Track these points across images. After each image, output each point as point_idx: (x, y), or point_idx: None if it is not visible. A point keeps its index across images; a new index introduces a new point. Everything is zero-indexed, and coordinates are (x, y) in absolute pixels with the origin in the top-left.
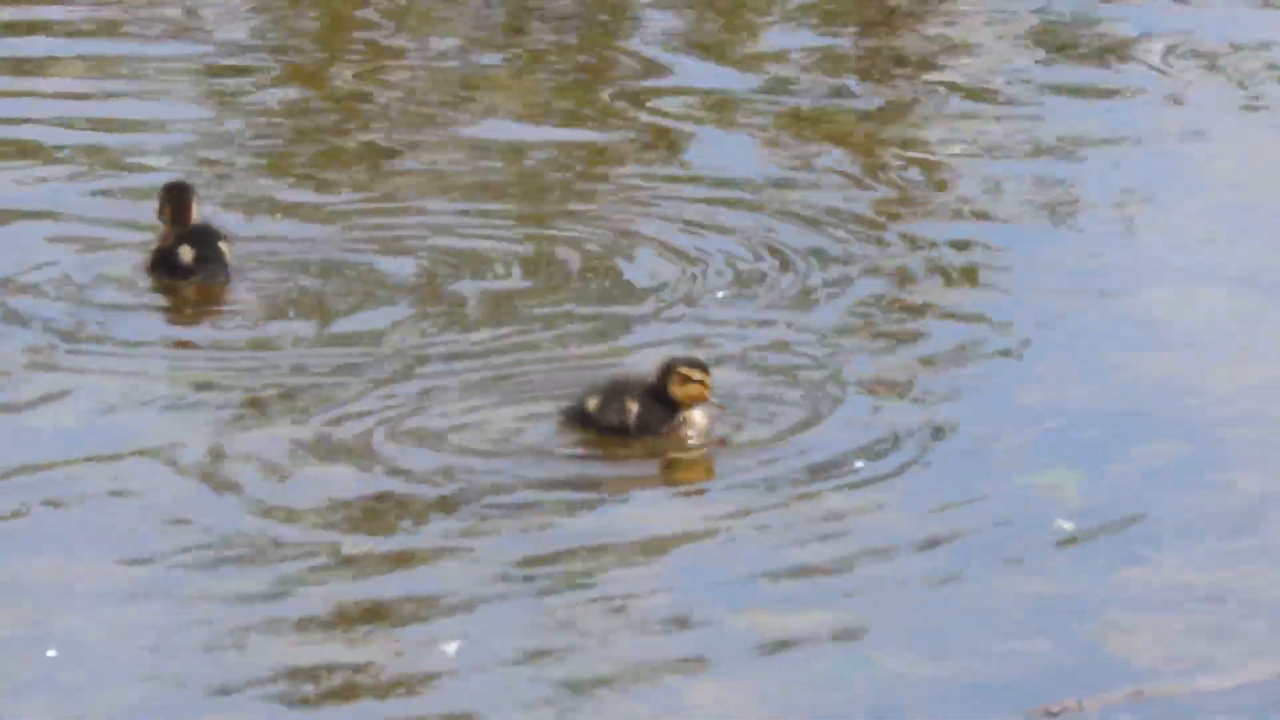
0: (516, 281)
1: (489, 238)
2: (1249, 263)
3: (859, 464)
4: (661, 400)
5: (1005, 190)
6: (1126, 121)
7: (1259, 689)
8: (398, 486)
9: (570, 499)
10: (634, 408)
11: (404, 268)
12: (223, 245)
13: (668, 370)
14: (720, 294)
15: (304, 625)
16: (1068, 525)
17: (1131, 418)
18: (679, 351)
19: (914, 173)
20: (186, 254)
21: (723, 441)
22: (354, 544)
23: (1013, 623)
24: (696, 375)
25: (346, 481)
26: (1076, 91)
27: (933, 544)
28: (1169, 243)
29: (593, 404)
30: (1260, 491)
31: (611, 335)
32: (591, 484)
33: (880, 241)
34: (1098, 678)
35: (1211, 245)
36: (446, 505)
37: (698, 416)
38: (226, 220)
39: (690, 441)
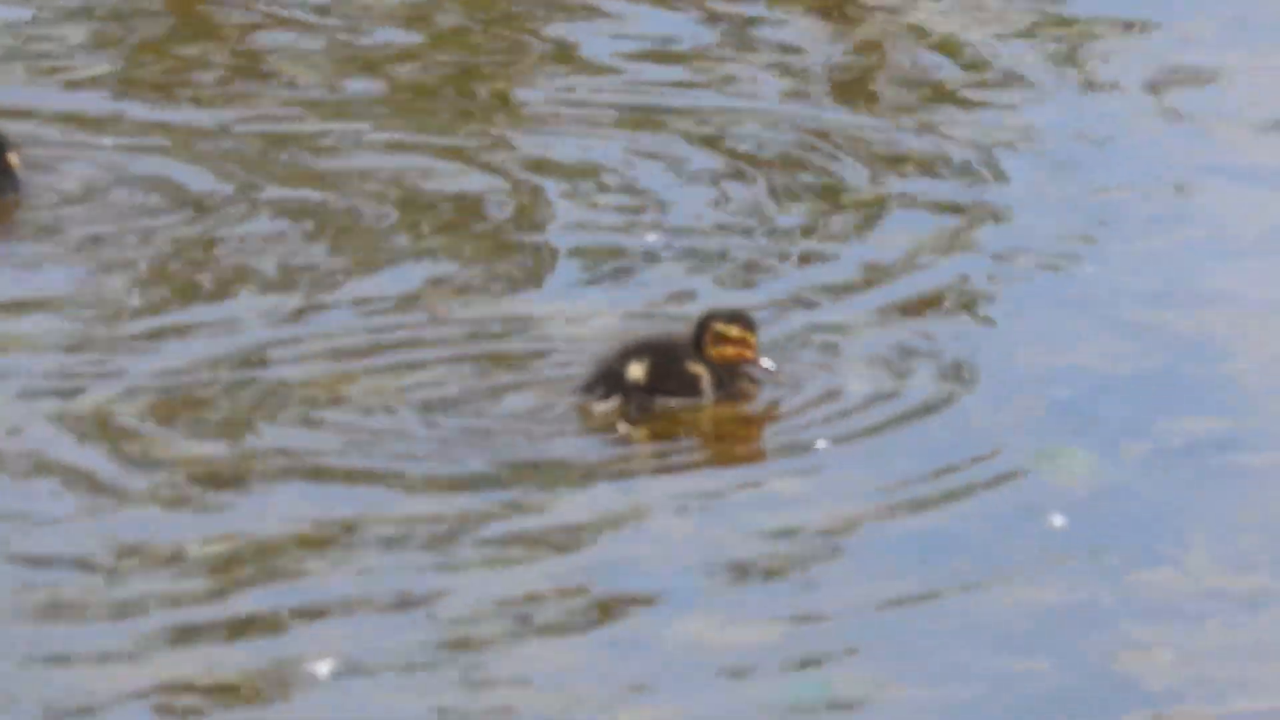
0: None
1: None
2: None
3: (821, 443)
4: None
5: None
6: None
7: None
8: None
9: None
10: (706, 374)
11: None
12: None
13: (702, 327)
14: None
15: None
16: (1059, 521)
17: (1156, 384)
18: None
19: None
20: None
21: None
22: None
23: (1006, 637)
24: (734, 332)
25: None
26: None
27: (908, 541)
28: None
29: (638, 371)
30: None
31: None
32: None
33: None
34: (1108, 703)
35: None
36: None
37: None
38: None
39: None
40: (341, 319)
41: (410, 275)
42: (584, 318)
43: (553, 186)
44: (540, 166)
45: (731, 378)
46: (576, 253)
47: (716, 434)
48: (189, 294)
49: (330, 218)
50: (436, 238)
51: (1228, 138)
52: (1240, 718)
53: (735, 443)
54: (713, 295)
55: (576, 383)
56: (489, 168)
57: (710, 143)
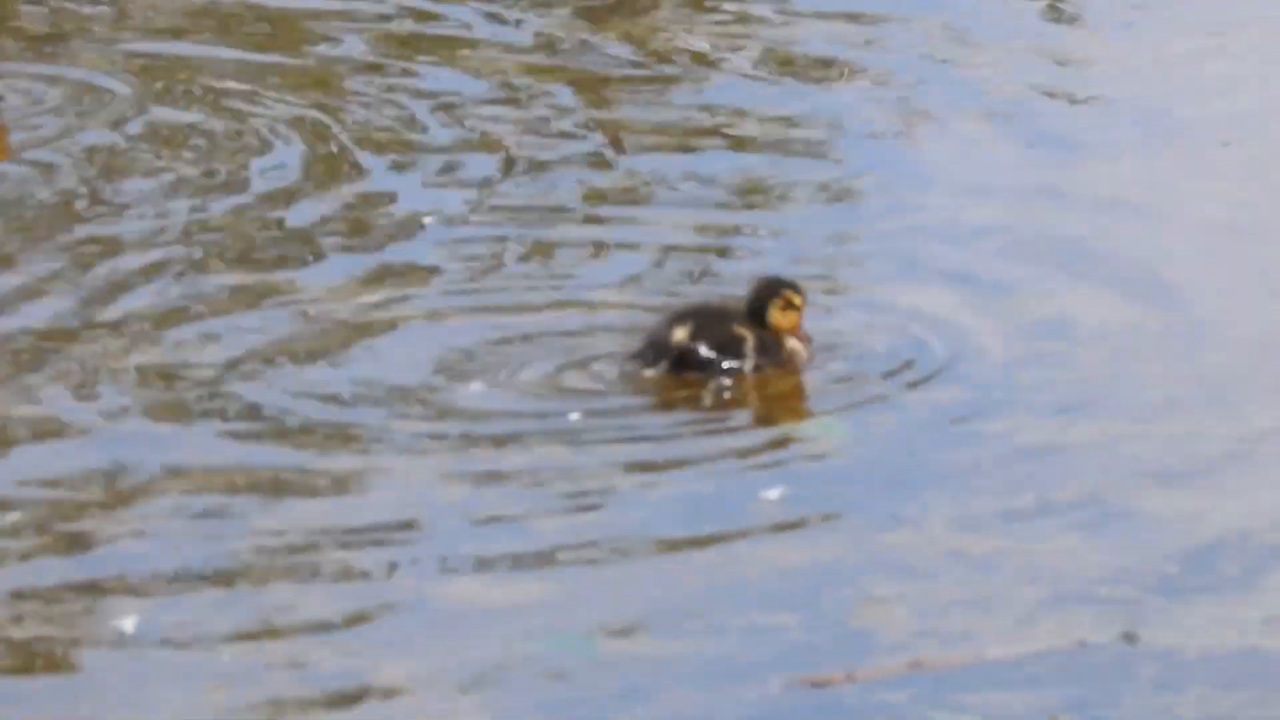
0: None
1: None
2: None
3: (573, 415)
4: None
5: None
6: None
7: (1049, 658)
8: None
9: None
10: (750, 338)
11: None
12: None
13: (772, 292)
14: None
15: None
16: (774, 494)
17: (905, 358)
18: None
19: None
20: None
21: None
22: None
23: (756, 595)
24: (798, 300)
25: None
26: None
27: (665, 503)
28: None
29: (682, 333)
30: (1045, 442)
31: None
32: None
33: None
34: (848, 654)
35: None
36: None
37: (797, 346)
38: None
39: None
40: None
41: None
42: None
43: None
44: None
45: (777, 345)
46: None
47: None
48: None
49: None
50: None
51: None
52: (994, 663)
53: None
54: None
55: (628, 351)
56: None
57: None
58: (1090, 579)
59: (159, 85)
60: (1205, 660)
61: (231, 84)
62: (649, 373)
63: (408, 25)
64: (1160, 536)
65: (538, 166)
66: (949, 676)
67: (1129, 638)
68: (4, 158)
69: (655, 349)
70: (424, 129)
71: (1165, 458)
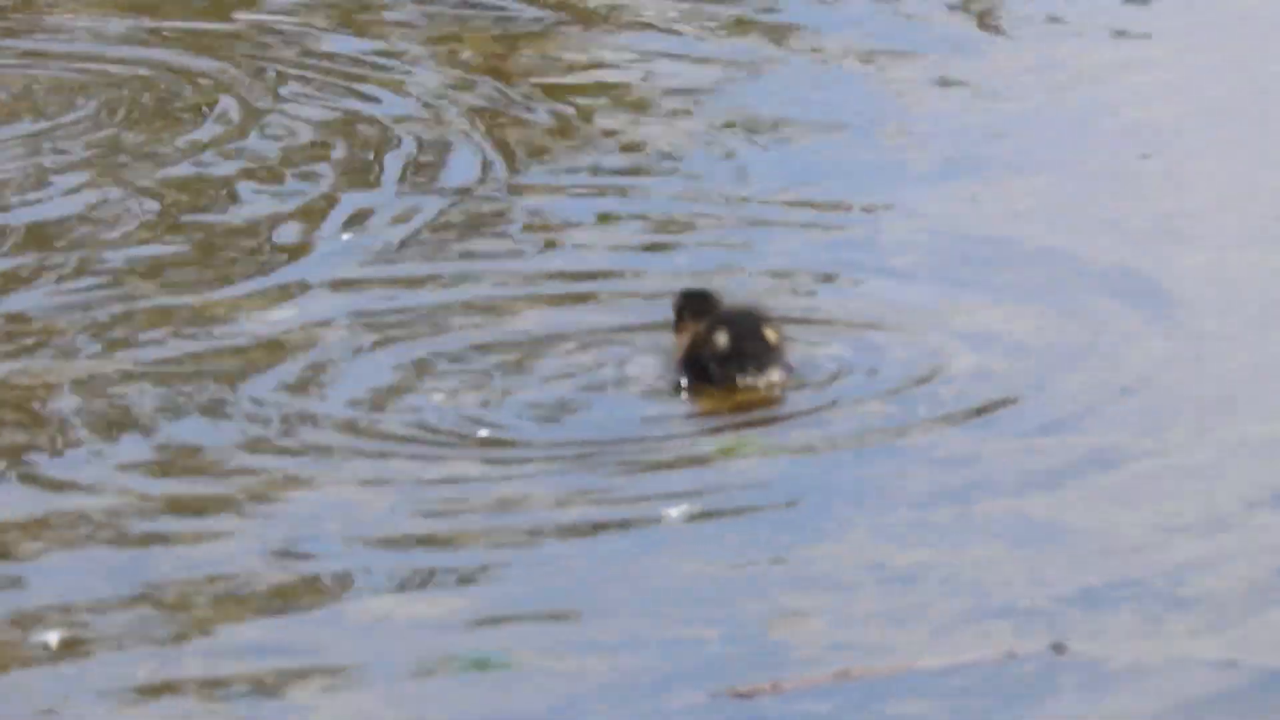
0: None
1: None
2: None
3: (483, 431)
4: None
5: None
6: None
7: (979, 670)
8: None
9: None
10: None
11: None
12: None
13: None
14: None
15: None
16: (675, 513)
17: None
18: None
19: None
20: None
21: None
22: None
23: (671, 609)
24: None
25: None
26: None
27: (582, 516)
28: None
29: (722, 341)
30: (972, 451)
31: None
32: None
33: None
34: (760, 667)
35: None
36: None
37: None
38: None
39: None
40: None
41: None
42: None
43: None
44: None
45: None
46: None
47: None
48: None
49: None
50: None
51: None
52: (923, 672)
53: None
54: None
55: (725, 366)
56: None
57: None
58: (1012, 591)
59: None
60: (1132, 671)
61: None
62: (762, 381)
63: None
64: (1081, 547)
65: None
66: (877, 686)
67: (1058, 648)
68: None
69: (756, 357)
70: None
71: (1085, 468)
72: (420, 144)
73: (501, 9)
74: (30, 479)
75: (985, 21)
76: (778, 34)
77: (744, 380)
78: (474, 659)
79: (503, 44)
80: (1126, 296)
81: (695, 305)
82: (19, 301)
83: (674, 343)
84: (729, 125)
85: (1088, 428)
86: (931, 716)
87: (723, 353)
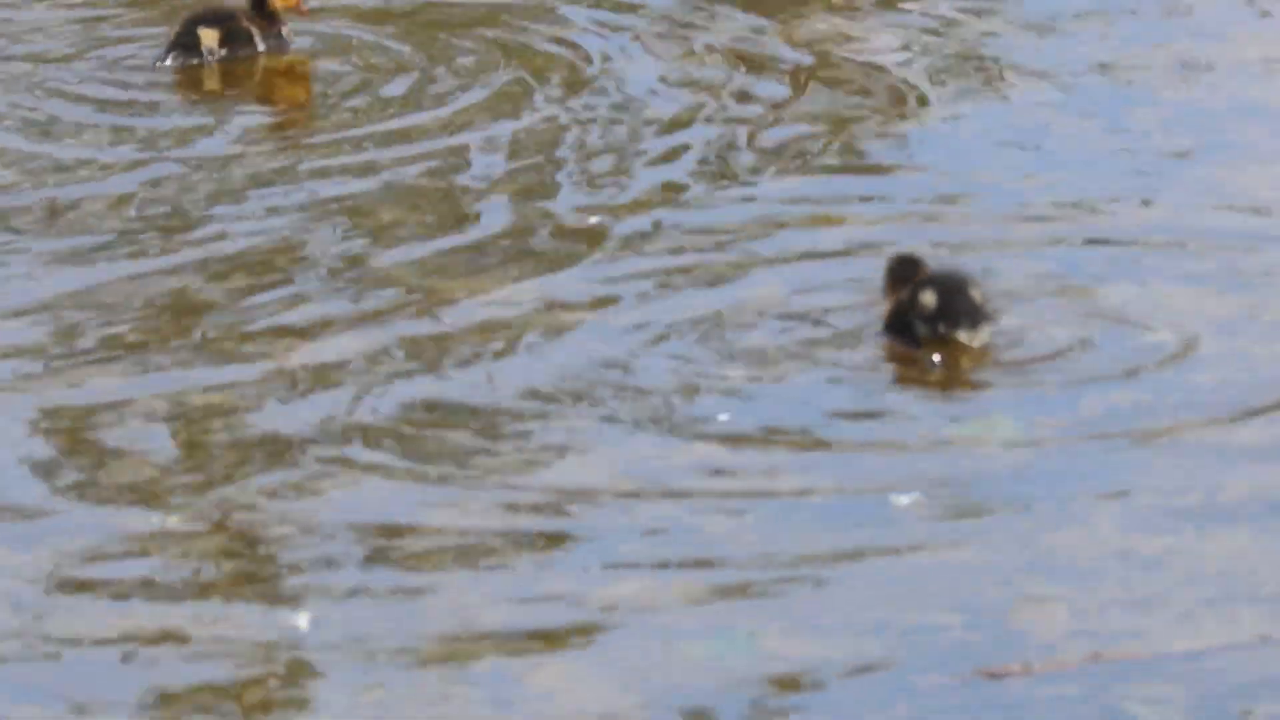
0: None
1: None
2: None
3: (723, 415)
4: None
5: None
6: None
7: (1230, 654)
8: None
9: None
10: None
11: None
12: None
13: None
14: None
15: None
16: (904, 500)
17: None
18: None
19: None
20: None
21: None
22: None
23: (917, 595)
24: None
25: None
26: None
27: (825, 500)
28: None
29: (930, 300)
30: (1220, 440)
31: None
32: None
33: None
34: (1003, 653)
35: None
36: None
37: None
38: None
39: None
40: None
41: None
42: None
43: None
44: None
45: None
46: None
47: None
48: None
49: None
50: None
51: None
52: (1173, 656)
53: None
54: None
55: (933, 324)
56: None
57: None
58: (1259, 577)
59: None
60: None
61: None
62: (974, 338)
63: None
64: None
65: None
66: (1126, 670)
67: None
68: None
69: (968, 312)
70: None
71: None
72: None
73: None
74: None
75: None
76: None
77: (955, 336)
78: (718, 638)
79: None
80: None
81: (903, 270)
82: None
83: (884, 308)
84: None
85: None
86: (1181, 701)
87: (931, 311)
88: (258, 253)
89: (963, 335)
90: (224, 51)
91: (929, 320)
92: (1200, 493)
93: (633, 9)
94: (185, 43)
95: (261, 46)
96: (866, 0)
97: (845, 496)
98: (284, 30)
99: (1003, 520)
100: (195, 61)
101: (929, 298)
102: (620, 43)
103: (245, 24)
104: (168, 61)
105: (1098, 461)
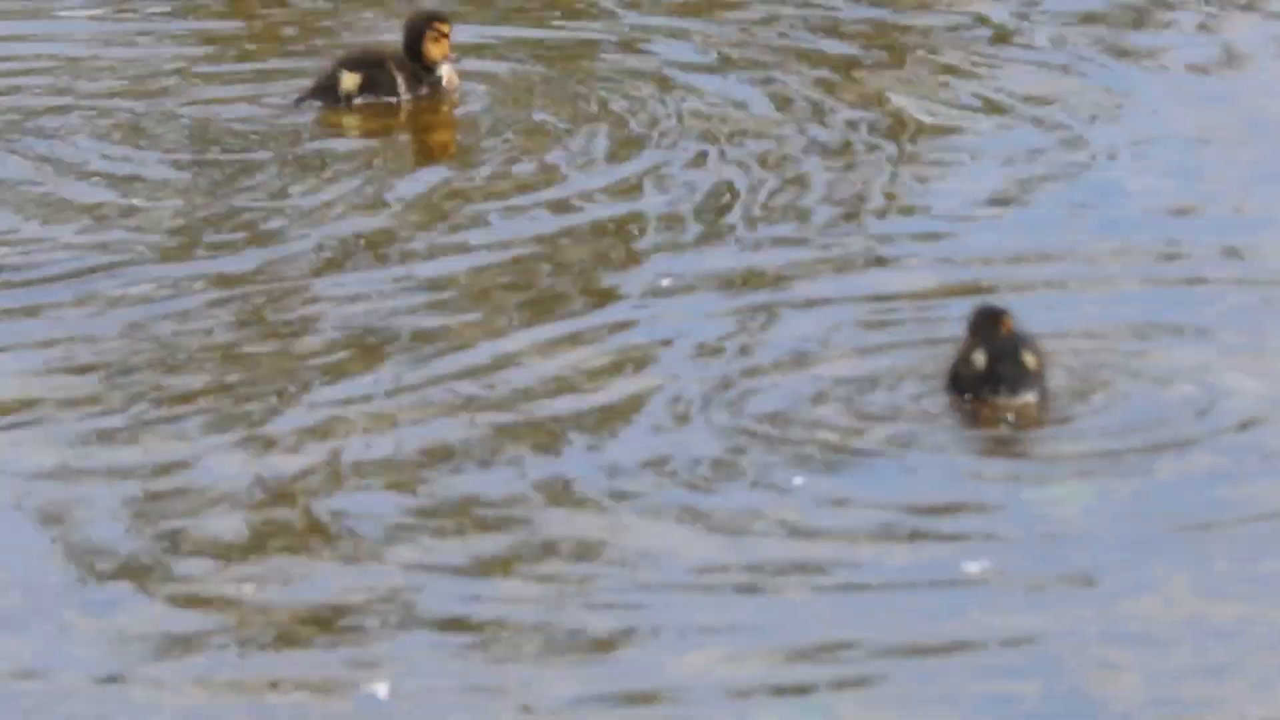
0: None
1: None
2: None
3: (798, 479)
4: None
5: None
6: None
7: None
8: None
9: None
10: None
11: None
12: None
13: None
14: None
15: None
16: (974, 568)
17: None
18: None
19: None
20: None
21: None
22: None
23: (993, 662)
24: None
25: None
26: None
27: (907, 558)
28: None
29: (980, 361)
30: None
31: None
32: None
33: None
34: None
35: None
36: None
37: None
38: None
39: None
40: None
41: None
42: None
43: None
44: None
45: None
46: None
47: None
48: None
49: None
50: None
51: None
52: None
53: None
54: None
55: (979, 387)
56: None
57: None
58: None
59: None
60: None
61: None
62: (1014, 403)
63: None
64: None
65: None
66: None
67: None
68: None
69: (1013, 378)
70: None
71: None
72: None
73: None
74: None
75: None
76: None
77: (995, 401)
78: (793, 711)
79: None
80: None
81: (978, 323)
82: None
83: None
84: None
85: None
86: None
87: (979, 373)
88: None
89: (1001, 401)
90: (361, 98)
91: (975, 382)
92: (1276, 559)
93: None
94: (326, 84)
95: (407, 95)
96: None
97: (919, 563)
98: (444, 74)
99: (1077, 588)
100: (332, 104)
101: (979, 359)
102: None
103: (393, 70)
104: (305, 102)
105: (1172, 526)
